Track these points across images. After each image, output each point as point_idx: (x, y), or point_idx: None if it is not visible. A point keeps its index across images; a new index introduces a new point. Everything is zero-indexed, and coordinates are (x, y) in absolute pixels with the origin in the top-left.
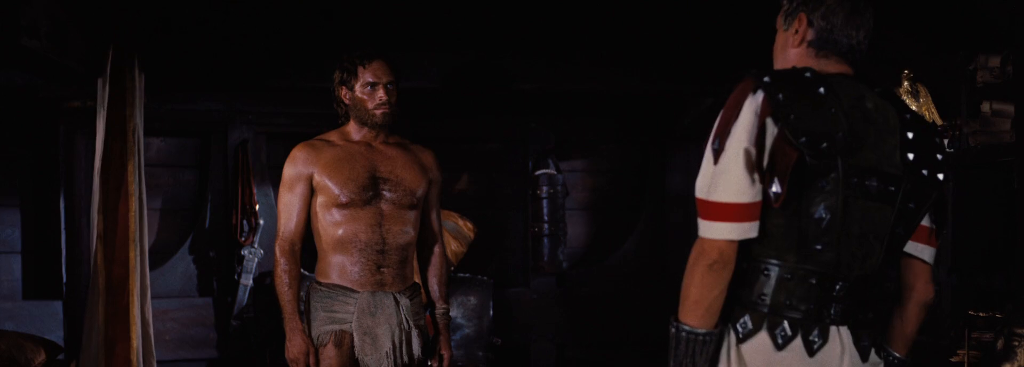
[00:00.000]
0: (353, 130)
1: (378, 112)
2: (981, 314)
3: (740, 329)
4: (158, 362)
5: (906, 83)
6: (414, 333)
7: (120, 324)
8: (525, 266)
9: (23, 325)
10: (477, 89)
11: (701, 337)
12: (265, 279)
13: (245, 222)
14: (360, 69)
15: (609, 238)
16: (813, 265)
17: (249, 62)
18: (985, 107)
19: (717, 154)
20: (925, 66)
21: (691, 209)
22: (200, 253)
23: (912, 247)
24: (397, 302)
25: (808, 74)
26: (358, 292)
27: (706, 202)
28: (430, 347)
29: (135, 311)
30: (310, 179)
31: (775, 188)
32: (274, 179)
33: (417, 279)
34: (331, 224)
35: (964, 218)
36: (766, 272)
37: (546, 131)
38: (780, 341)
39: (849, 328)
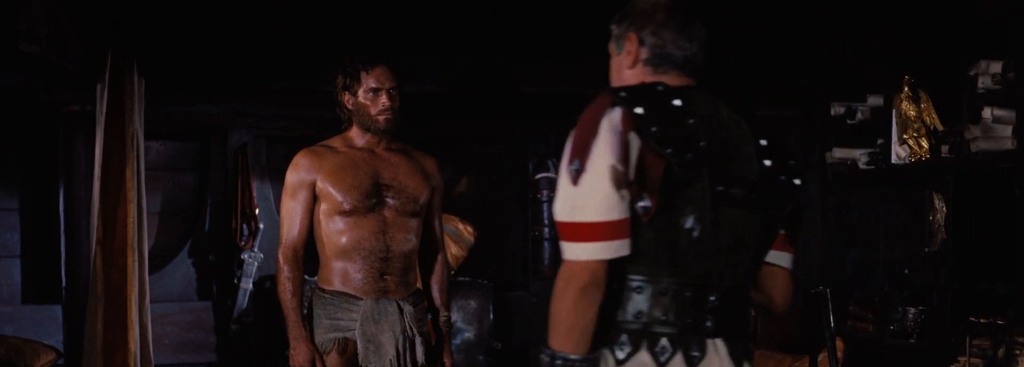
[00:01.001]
0: (356, 136)
1: (381, 118)
2: (982, 320)
3: (619, 351)
4: (158, 366)
5: (907, 88)
6: (418, 340)
7: (119, 329)
8: (526, 269)
9: (23, 329)
10: (477, 91)
11: (578, 364)
12: (265, 283)
13: (245, 226)
14: (363, 74)
15: None
16: (686, 278)
17: (248, 64)
18: (986, 113)
19: (577, 174)
20: (926, 71)
21: None
22: (200, 257)
23: (771, 255)
24: (401, 309)
25: (660, 88)
26: (362, 299)
27: (571, 224)
28: (433, 354)
29: (133, 316)
30: (313, 186)
31: (644, 202)
32: (274, 182)
33: (419, 285)
34: (334, 231)
35: (965, 224)
36: (639, 289)
37: (547, 133)
38: (661, 359)
39: (724, 340)
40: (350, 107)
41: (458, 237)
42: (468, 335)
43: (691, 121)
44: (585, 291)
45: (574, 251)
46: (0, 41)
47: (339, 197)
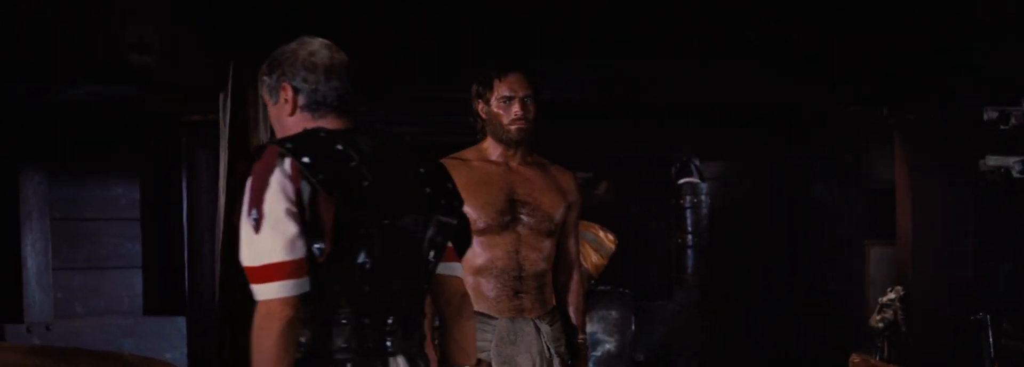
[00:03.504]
0: (490, 147)
1: (513, 127)
2: None
3: None
4: None
5: None
6: (556, 361)
7: (243, 346)
8: (667, 278)
9: (145, 341)
10: (618, 98)
11: None
12: None
13: None
14: (496, 81)
15: (752, 250)
16: (364, 307)
17: (379, 71)
18: None
19: (257, 223)
20: None
21: (836, 223)
22: None
23: (443, 268)
24: (538, 329)
25: (322, 134)
26: (496, 318)
27: (259, 268)
28: None
29: None
30: None
31: (319, 244)
32: None
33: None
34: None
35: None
36: (324, 323)
37: (689, 138)
38: None
39: (404, 357)
40: (483, 116)
41: (598, 245)
42: (609, 346)
43: (354, 163)
44: (290, 325)
45: (269, 291)
46: (108, 53)
47: (473, 214)
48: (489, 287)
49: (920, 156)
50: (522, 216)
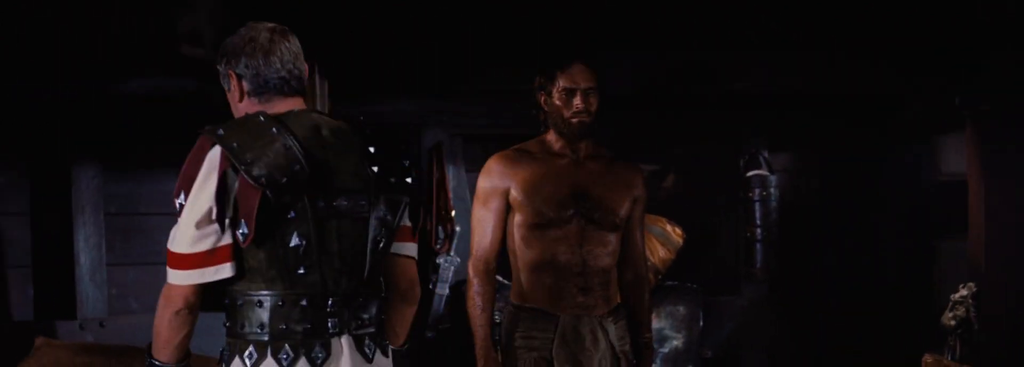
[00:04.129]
0: (554, 140)
1: (574, 120)
2: None
3: (247, 360)
4: None
5: None
6: (621, 361)
7: None
8: (736, 273)
9: (201, 338)
10: (686, 88)
11: None
12: (461, 288)
13: (441, 228)
14: (558, 73)
15: (823, 244)
16: (302, 289)
17: (444, 63)
18: None
19: (180, 209)
20: None
21: (907, 217)
22: None
23: (397, 247)
24: (602, 327)
25: (261, 118)
26: (558, 316)
27: (170, 253)
28: None
29: None
30: (506, 194)
31: (243, 229)
32: (471, 183)
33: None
34: (528, 245)
35: None
36: (260, 304)
37: (757, 129)
38: (284, 364)
39: (350, 337)
40: (545, 108)
41: (666, 239)
42: (676, 343)
43: (288, 145)
44: (178, 314)
45: (173, 277)
46: (162, 45)
47: (534, 208)
48: (552, 283)
49: (993, 148)
50: (585, 211)
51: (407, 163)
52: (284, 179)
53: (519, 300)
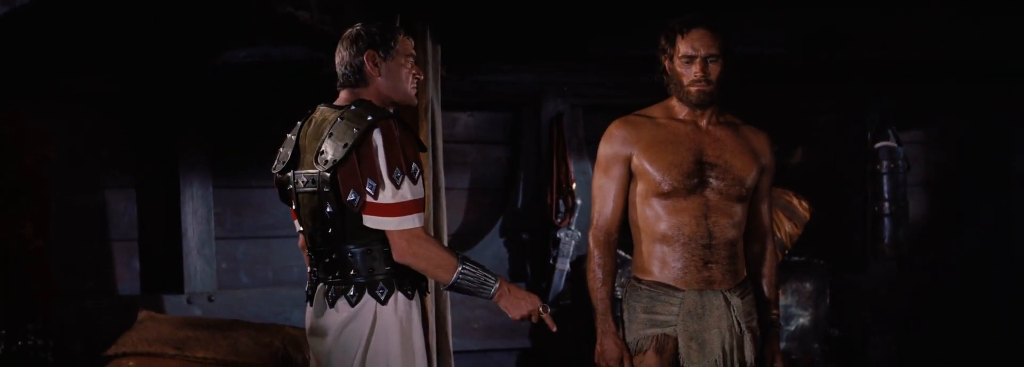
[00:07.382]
0: (677, 106)
1: (694, 89)
2: None
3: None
4: (466, 352)
5: None
6: (747, 337)
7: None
8: (864, 249)
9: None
10: (815, 54)
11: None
12: (582, 264)
13: (561, 202)
14: (678, 38)
15: (954, 220)
16: (309, 244)
17: (563, 29)
18: None
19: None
20: None
21: None
22: (512, 235)
23: (369, 220)
24: (728, 302)
25: (309, 111)
26: (683, 291)
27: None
28: (761, 354)
29: (428, 300)
30: (628, 161)
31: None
32: (592, 155)
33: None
34: (650, 215)
35: None
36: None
37: (886, 100)
38: (306, 301)
39: (325, 285)
40: (668, 73)
41: (792, 213)
42: (803, 321)
43: (291, 137)
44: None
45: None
46: (266, 12)
47: (657, 176)
48: (675, 256)
49: None
50: (711, 179)
51: (331, 136)
52: (276, 163)
53: (641, 274)
